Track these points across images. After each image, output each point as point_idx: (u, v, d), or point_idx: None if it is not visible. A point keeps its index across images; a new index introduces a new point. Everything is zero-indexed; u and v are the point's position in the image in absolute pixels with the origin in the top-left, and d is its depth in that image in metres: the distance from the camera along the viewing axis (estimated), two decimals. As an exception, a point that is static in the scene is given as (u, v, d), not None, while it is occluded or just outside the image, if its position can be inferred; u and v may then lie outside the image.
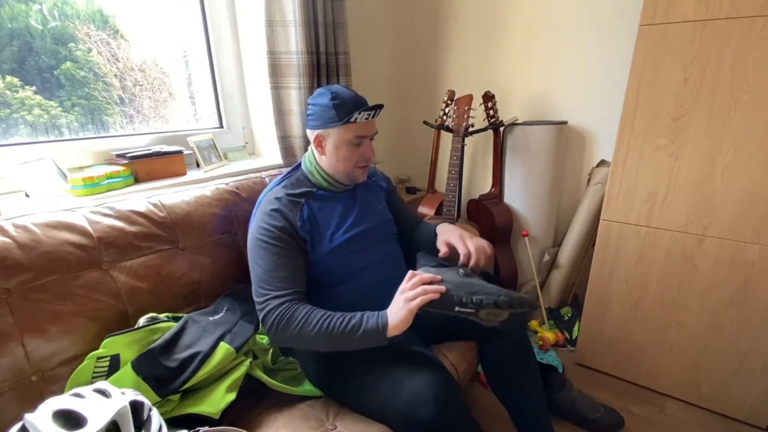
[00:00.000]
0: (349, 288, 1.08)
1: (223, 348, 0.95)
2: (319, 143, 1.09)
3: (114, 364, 0.86)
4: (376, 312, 0.91)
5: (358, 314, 0.91)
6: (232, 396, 0.91)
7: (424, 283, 0.90)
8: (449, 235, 1.12)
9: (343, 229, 1.10)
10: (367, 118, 1.06)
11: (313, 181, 1.14)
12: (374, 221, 1.18)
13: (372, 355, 0.97)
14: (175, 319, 0.99)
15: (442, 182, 2.03)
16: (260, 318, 0.96)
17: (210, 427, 0.79)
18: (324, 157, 1.10)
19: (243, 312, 1.09)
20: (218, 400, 0.89)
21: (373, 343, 0.89)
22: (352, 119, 1.03)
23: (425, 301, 0.87)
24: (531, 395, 1.16)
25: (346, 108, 1.04)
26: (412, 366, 0.93)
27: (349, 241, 1.09)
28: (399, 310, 0.88)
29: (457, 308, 0.88)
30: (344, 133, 1.06)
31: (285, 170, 1.22)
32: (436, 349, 1.15)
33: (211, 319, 1.03)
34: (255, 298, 0.98)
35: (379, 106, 1.07)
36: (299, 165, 1.19)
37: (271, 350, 1.07)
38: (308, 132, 1.12)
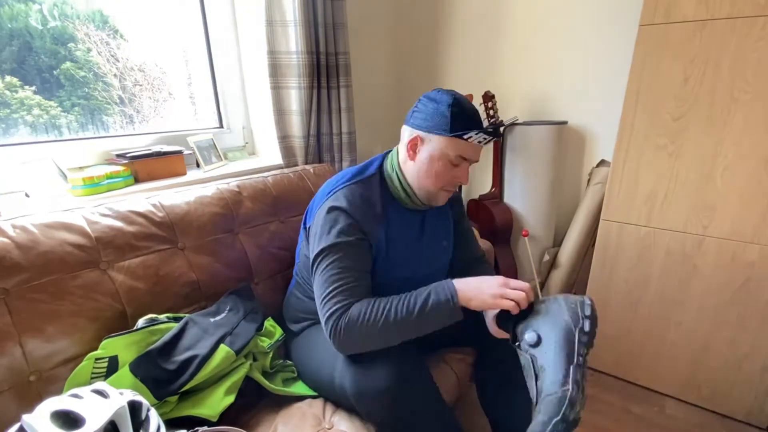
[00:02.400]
0: None
1: (223, 350, 0.94)
2: (415, 145, 0.94)
3: (112, 365, 0.85)
4: (440, 289, 0.85)
5: (421, 293, 0.86)
6: (230, 399, 0.91)
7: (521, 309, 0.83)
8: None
9: (397, 268, 0.99)
10: (480, 142, 0.93)
11: (390, 189, 1.00)
12: (432, 266, 1.07)
13: None
14: (176, 320, 0.99)
15: (442, 182, 2.03)
16: (324, 326, 0.87)
17: (208, 427, 0.79)
18: (412, 163, 0.96)
19: (246, 311, 1.09)
20: (216, 402, 0.89)
21: (447, 318, 0.85)
22: (466, 136, 0.90)
23: (507, 308, 0.82)
24: (521, 417, 1.00)
25: (464, 121, 0.90)
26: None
27: (396, 285, 0.95)
28: (484, 293, 0.82)
29: (516, 338, 0.83)
30: (449, 146, 0.92)
31: (353, 168, 1.03)
32: (436, 355, 1.14)
33: (212, 320, 1.02)
34: (320, 307, 0.88)
35: (497, 134, 0.96)
36: (379, 162, 1.03)
37: (270, 353, 1.07)
38: (406, 129, 0.97)
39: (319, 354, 0.99)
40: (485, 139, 0.92)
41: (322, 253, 0.91)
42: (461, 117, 0.90)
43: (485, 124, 1.85)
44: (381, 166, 1.03)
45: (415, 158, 0.95)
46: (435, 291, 0.85)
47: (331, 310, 0.85)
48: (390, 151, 1.04)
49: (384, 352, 0.85)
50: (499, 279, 0.85)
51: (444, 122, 0.90)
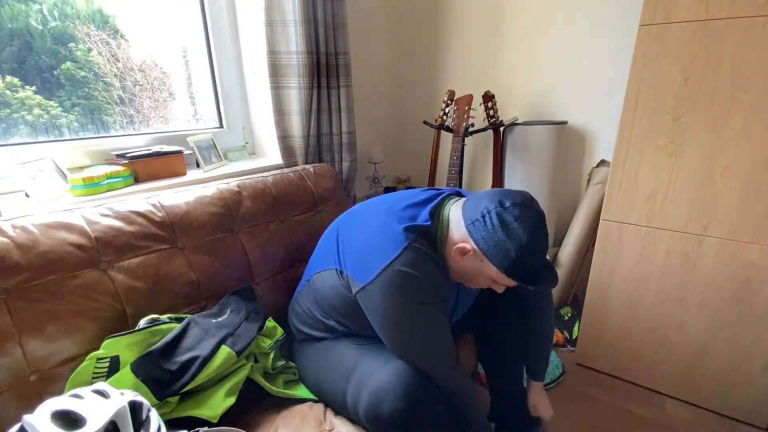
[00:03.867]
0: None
1: (224, 351, 0.94)
2: (464, 253, 0.87)
3: (114, 365, 0.85)
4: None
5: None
6: (231, 400, 0.91)
7: None
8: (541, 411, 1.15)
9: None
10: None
11: (433, 251, 0.91)
12: (464, 309, 1.12)
13: (350, 351, 0.97)
14: (178, 321, 0.99)
15: (442, 182, 2.03)
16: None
17: (209, 427, 0.79)
18: (455, 262, 0.91)
19: (248, 312, 1.08)
20: (217, 404, 0.89)
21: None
22: (516, 280, 0.85)
23: None
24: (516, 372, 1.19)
25: (527, 270, 0.84)
26: (383, 359, 0.90)
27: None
28: None
29: None
30: (499, 276, 0.86)
31: (402, 209, 0.93)
32: None
33: (214, 321, 1.02)
34: (443, 371, 0.91)
35: (553, 284, 0.89)
36: (430, 210, 0.92)
37: (271, 354, 1.07)
38: (461, 225, 0.87)
39: (331, 369, 0.99)
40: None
41: (411, 313, 0.88)
42: (526, 265, 0.82)
43: (485, 124, 1.86)
44: (431, 219, 0.91)
45: (460, 260, 0.89)
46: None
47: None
48: (445, 200, 0.95)
49: (399, 376, 0.85)
50: None
51: (506, 260, 0.82)
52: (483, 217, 0.84)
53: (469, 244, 0.86)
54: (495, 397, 1.25)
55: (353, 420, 0.94)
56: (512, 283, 0.87)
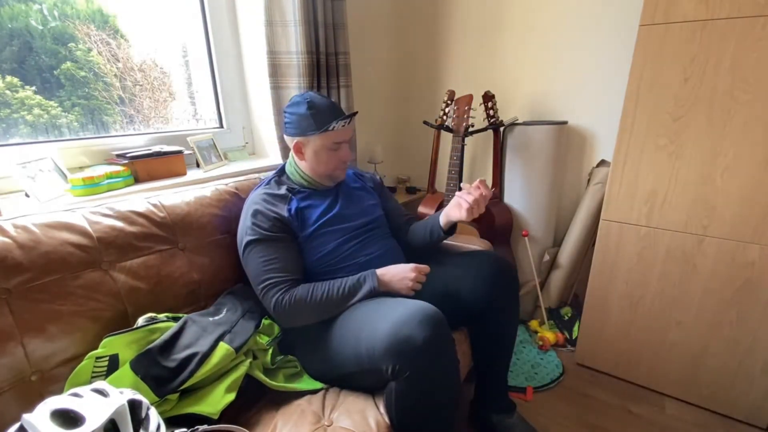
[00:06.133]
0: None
1: (223, 348, 0.95)
2: (299, 150, 1.16)
3: (113, 363, 0.86)
4: (366, 277, 1.07)
5: (350, 281, 1.06)
6: (231, 396, 0.91)
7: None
8: (453, 216, 1.24)
9: (327, 216, 1.16)
10: (343, 126, 1.13)
11: (296, 182, 1.21)
12: (363, 217, 1.23)
13: (352, 315, 1.01)
14: (175, 320, 0.99)
15: (442, 182, 2.03)
16: (269, 309, 1.05)
17: (209, 425, 0.79)
18: (304, 162, 1.18)
19: (244, 310, 1.09)
20: (217, 400, 0.89)
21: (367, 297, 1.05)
22: (330, 128, 1.10)
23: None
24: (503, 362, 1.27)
25: (323, 117, 1.10)
26: (399, 303, 0.94)
27: (333, 223, 1.15)
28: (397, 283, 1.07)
29: None
30: (323, 140, 1.13)
31: (269, 174, 1.28)
32: None
33: (211, 319, 1.03)
34: (259, 295, 1.06)
35: (354, 114, 1.15)
36: (283, 168, 1.26)
37: (270, 350, 1.07)
38: (287, 138, 1.18)
39: (337, 339, 1.00)
40: (345, 122, 1.13)
41: (248, 249, 1.07)
42: (320, 114, 1.10)
43: (485, 124, 1.86)
44: (279, 171, 1.26)
45: (304, 158, 1.17)
46: (361, 279, 1.06)
47: (268, 289, 1.04)
48: (288, 160, 1.26)
49: (414, 311, 0.88)
50: (408, 268, 1.09)
51: (310, 124, 1.11)
52: (284, 120, 1.16)
53: (295, 140, 1.15)
54: (480, 383, 1.33)
55: (366, 383, 0.98)
56: (335, 138, 1.13)
